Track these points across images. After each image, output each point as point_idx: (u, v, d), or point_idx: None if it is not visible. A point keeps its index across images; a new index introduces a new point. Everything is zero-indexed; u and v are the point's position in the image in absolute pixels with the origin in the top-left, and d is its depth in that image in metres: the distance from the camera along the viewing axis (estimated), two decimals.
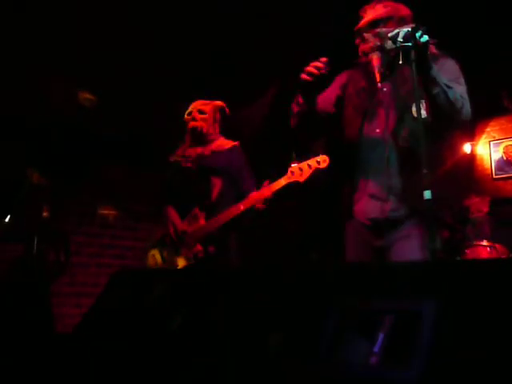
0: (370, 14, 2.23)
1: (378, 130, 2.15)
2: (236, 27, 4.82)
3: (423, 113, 2.03)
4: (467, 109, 1.97)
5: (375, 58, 2.12)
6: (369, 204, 2.05)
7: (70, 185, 4.42)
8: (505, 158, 6.86)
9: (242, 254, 3.17)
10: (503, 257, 4.39)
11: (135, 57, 4.77)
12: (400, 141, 2.08)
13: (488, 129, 6.78)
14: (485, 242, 4.48)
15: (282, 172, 3.43)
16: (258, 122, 4.90)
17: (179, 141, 3.41)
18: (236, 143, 3.24)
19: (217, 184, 3.14)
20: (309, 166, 2.83)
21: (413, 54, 1.75)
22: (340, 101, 2.33)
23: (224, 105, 3.28)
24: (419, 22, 1.77)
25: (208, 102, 3.25)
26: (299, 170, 2.84)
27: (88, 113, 4.66)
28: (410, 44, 1.76)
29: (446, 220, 4.78)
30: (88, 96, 4.58)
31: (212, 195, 3.12)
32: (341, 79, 2.39)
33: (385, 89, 2.18)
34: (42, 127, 4.22)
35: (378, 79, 2.12)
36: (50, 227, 4.19)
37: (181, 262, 3.16)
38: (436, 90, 1.88)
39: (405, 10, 2.21)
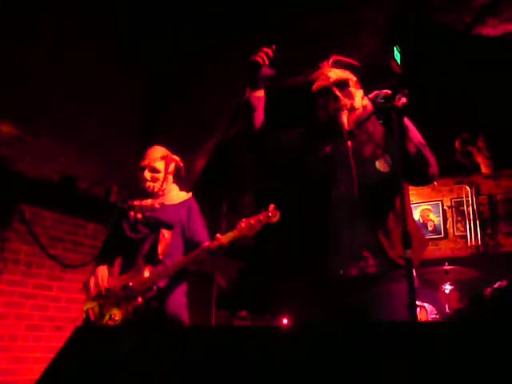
0: (329, 76, 2.29)
1: (343, 189, 2.17)
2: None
3: (386, 167, 2.11)
4: (436, 165, 2.05)
5: (344, 117, 2.17)
6: (345, 262, 2.04)
7: None
8: (421, 221, 7.24)
9: (191, 309, 3.06)
10: (432, 316, 4.52)
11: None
12: (366, 196, 2.11)
13: None
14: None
15: (215, 225, 3.37)
16: (199, 172, 4.86)
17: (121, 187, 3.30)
18: (189, 195, 3.18)
19: (166, 237, 3.05)
20: (259, 220, 2.84)
21: (392, 115, 1.80)
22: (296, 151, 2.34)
23: (179, 161, 3.24)
24: (399, 84, 1.83)
25: (163, 155, 3.17)
26: (249, 224, 2.84)
27: (15, 151, 4.44)
28: (389, 105, 1.82)
29: None
30: (9, 129, 4.37)
31: (159, 248, 3.02)
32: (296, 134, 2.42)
33: (349, 146, 2.22)
34: None
35: (345, 136, 2.17)
36: None
37: (118, 316, 3.00)
38: (414, 149, 1.94)
39: (354, 75, 2.34)
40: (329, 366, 1.32)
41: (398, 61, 6.25)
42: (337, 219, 2.11)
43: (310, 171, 2.28)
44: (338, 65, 2.37)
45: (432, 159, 2.05)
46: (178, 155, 3.26)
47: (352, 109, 2.20)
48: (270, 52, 2.19)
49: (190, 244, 3.06)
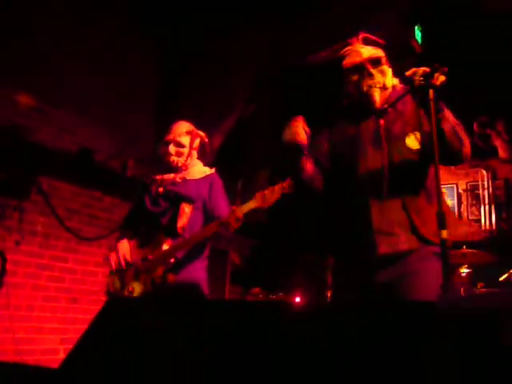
0: (361, 53, 2.26)
1: (371, 167, 2.15)
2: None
3: (416, 145, 2.09)
4: (469, 146, 2.04)
5: (377, 94, 2.15)
6: (376, 240, 2.03)
7: (12, 199, 4.12)
8: None
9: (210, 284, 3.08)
10: None
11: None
12: (396, 173, 2.10)
13: None
14: None
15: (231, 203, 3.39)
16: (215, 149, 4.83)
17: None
18: (212, 171, 3.16)
19: (186, 211, 3.04)
20: (274, 191, 2.85)
21: (430, 92, 1.77)
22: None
23: (204, 137, 3.21)
24: (436, 61, 1.80)
25: (188, 130, 3.13)
26: (265, 195, 2.85)
27: (34, 122, 4.44)
28: (427, 83, 1.78)
29: None
30: (28, 100, 4.37)
31: (179, 222, 3.03)
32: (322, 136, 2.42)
33: (381, 124, 2.19)
34: None
35: (377, 115, 2.15)
36: None
37: (137, 289, 3.04)
38: (449, 128, 1.92)
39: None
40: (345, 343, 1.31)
41: (419, 40, 6.15)
42: (365, 197, 2.09)
43: (335, 149, 2.27)
44: (366, 42, 2.34)
45: (466, 140, 2.03)
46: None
47: (384, 87, 2.18)
48: (304, 125, 2.17)
49: (210, 219, 3.06)
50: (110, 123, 5.02)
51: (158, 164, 3.19)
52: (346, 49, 2.35)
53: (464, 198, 7.08)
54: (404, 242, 2.00)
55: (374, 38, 2.37)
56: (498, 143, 6.77)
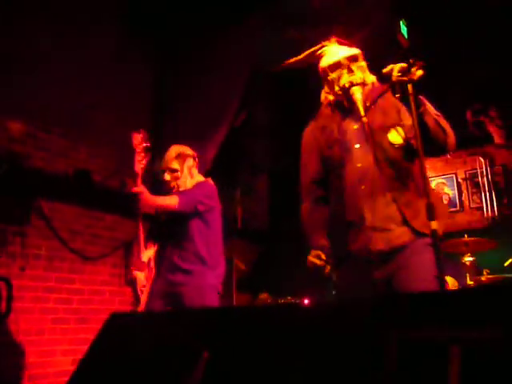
0: (338, 51, 2.30)
1: (358, 164, 2.17)
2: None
3: (399, 139, 2.11)
4: (453, 135, 2.06)
5: (359, 92, 2.17)
6: (371, 237, 2.05)
7: (13, 225, 4.15)
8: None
9: None
10: (454, 288, 4.52)
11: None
12: (384, 169, 2.12)
13: None
14: None
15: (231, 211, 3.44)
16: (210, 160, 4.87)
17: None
18: (205, 180, 3.29)
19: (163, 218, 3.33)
20: None
21: (409, 87, 1.79)
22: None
23: (194, 155, 3.38)
24: (415, 56, 1.82)
25: (177, 153, 3.29)
26: None
27: (29, 148, 4.47)
28: (405, 78, 1.81)
29: None
30: (21, 126, 4.42)
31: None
32: (308, 145, 2.44)
33: (365, 122, 2.21)
34: None
35: (362, 112, 2.17)
36: None
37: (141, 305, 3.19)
38: (431, 120, 1.94)
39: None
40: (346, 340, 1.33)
41: (405, 35, 6.18)
42: (356, 195, 2.12)
43: (324, 153, 2.30)
44: (339, 44, 2.39)
45: (450, 129, 2.05)
46: (189, 145, 3.41)
47: (364, 83, 2.21)
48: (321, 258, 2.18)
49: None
50: (104, 143, 5.06)
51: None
52: (321, 50, 2.39)
53: (464, 187, 7.08)
54: (398, 236, 2.03)
55: (345, 41, 2.43)
56: (492, 129, 6.78)
